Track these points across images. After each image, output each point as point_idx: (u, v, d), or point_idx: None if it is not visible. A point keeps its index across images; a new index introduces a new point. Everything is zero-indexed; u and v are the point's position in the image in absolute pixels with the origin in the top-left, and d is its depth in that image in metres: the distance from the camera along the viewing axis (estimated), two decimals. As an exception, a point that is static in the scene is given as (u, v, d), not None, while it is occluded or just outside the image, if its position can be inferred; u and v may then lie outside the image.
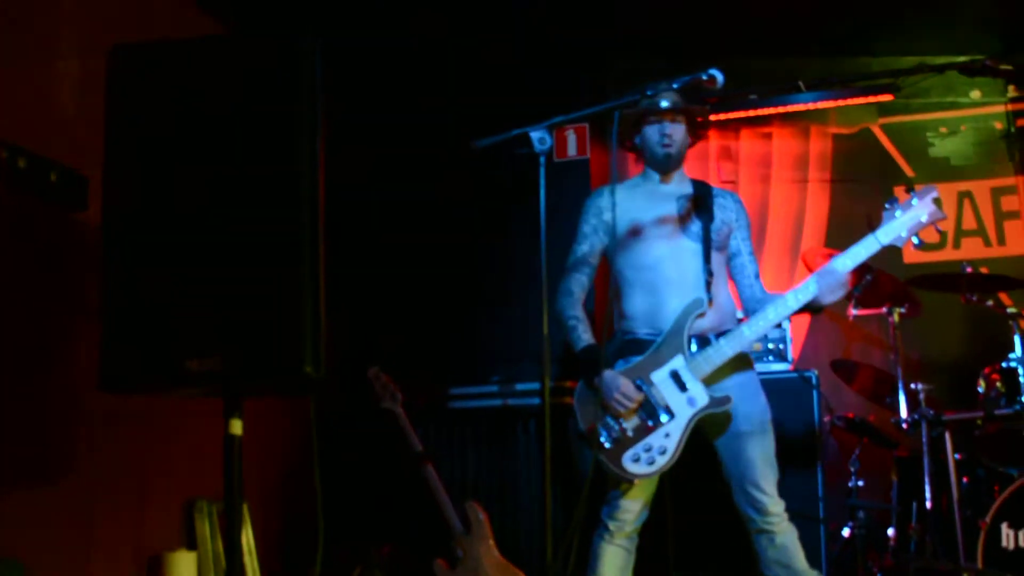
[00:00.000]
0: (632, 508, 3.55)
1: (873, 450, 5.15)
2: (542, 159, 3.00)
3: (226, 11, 4.95)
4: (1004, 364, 4.54)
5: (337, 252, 5.57)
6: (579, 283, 3.71)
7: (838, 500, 5.05)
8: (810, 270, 5.18)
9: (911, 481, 4.81)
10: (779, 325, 5.05)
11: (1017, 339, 4.54)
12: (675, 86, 3.12)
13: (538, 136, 2.98)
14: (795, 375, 4.94)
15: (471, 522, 4.53)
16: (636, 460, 3.42)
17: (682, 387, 3.44)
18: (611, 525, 3.57)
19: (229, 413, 2.66)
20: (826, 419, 5.06)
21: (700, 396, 3.43)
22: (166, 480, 4.26)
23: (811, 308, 3.43)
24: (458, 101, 5.62)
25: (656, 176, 3.73)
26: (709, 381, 3.48)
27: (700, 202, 3.63)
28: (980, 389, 4.67)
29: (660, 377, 3.47)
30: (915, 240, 3.30)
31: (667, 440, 3.42)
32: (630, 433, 3.45)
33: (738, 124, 6.06)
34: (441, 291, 5.57)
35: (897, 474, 4.91)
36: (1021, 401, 4.42)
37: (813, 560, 4.69)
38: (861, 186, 5.96)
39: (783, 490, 4.39)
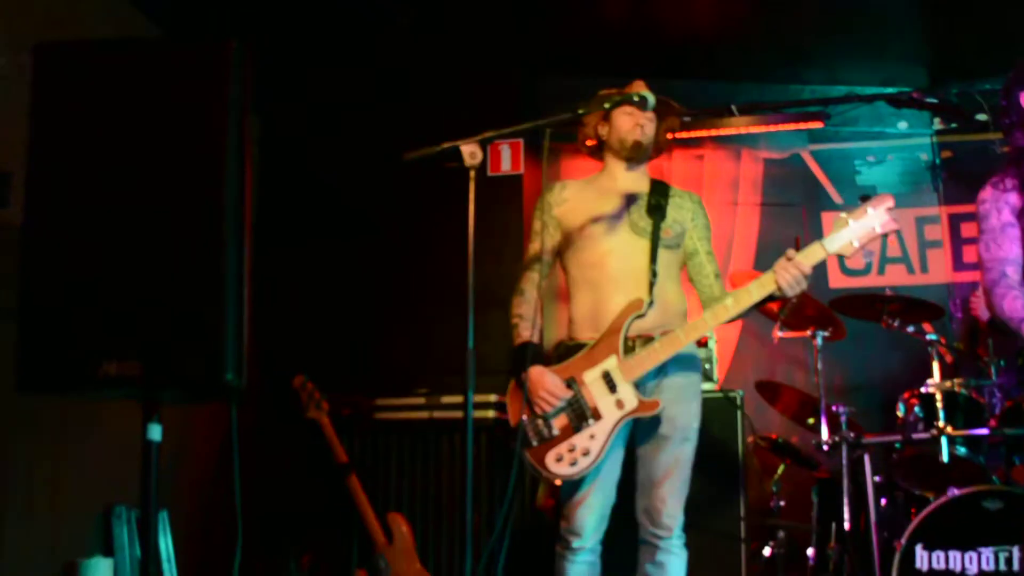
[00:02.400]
0: (589, 518, 3.45)
1: (795, 471, 5.22)
2: (472, 173, 2.99)
3: (160, 11, 4.89)
4: (923, 389, 4.62)
5: (266, 259, 5.63)
6: (531, 281, 3.63)
7: (760, 520, 5.10)
8: (733, 285, 5.25)
9: (831, 502, 4.87)
10: (705, 343, 5.14)
11: (935, 365, 4.62)
12: (606, 106, 3.13)
13: (469, 150, 2.98)
14: (720, 394, 4.98)
15: (394, 534, 4.51)
16: (559, 460, 3.36)
17: (612, 388, 3.38)
18: (572, 541, 3.47)
19: (147, 418, 2.61)
20: (749, 440, 5.10)
21: (629, 399, 3.35)
22: (85, 485, 4.18)
23: (774, 299, 3.36)
24: (390, 111, 5.60)
25: (614, 171, 3.65)
26: (648, 381, 3.44)
27: (654, 200, 3.57)
28: (899, 413, 4.74)
29: (591, 377, 3.40)
30: (866, 252, 3.28)
31: (591, 442, 3.35)
32: (556, 432, 3.38)
33: (670, 144, 6.11)
34: (370, 302, 5.54)
35: (818, 495, 4.97)
36: (937, 426, 4.49)
37: (734, 580, 4.78)
38: (790, 210, 6.06)
39: (706, 507, 4.42)
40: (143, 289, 2.46)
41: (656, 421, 3.45)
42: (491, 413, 4.79)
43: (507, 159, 5.46)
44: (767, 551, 5.02)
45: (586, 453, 3.35)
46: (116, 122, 2.54)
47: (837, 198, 6.13)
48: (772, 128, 5.89)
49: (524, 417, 3.41)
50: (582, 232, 3.57)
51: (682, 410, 3.49)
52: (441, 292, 5.37)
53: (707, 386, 5.06)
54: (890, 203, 3.23)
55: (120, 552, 4.22)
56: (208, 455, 5.07)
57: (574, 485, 3.46)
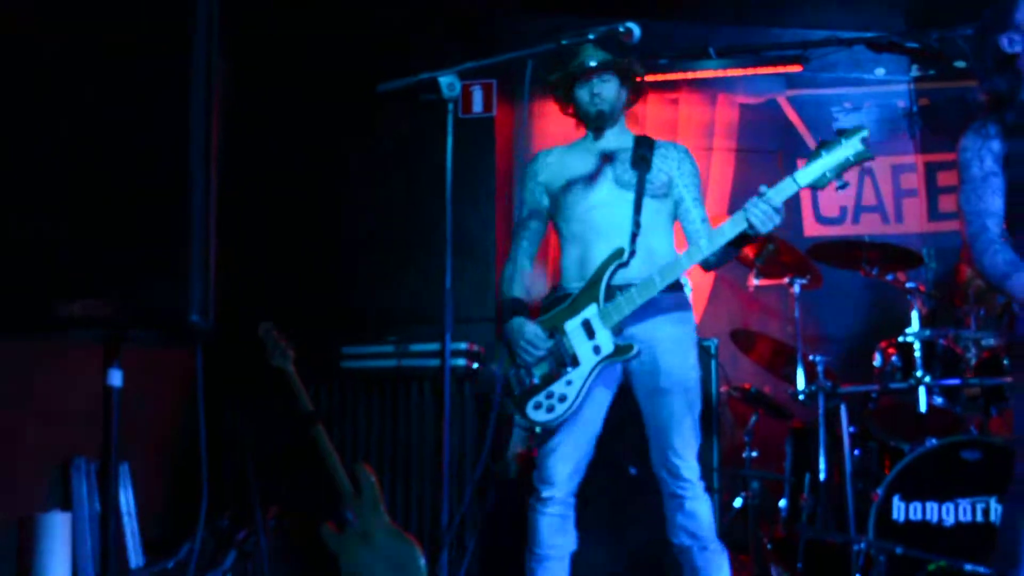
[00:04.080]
0: (562, 468, 3.46)
1: (768, 421, 5.17)
2: (450, 106, 2.85)
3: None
4: (900, 338, 4.57)
5: (231, 203, 5.46)
6: (521, 248, 3.67)
7: (732, 471, 5.05)
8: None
9: (804, 453, 4.83)
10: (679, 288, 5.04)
11: (914, 314, 4.57)
12: (591, 36, 3.00)
13: (447, 81, 2.83)
14: (695, 344, 4.89)
15: (361, 485, 4.39)
16: (538, 407, 3.37)
17: (591, 335, 3.36)
18: (543, 490, 3.48)
19: (108, 362, 2.47)
20: (722, 389, 5.04)
21: (606, 344, 3.34)
22: (45, 436, 4.02)
23: (749, 239, 3.25)
24: (362, 46, 5.42)
25: (591, 135, 3.64)
26: (635, 331, 3.40)
27: (638, 153, 3.53)
28: (876, 363, 4.69)
29: (572, 326, 3.39)
30: (839, 183, 3.15)
31: (568, 388, 3.35)
32: (536, 380, 3.40)
33: (645, 88, 5.97)
34: (339, 247, 5.39)
35: (791, 445, 4.92)
36: (915, 376, 4.44)
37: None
38: (766, 156, 5.96)
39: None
40: (105, 226, 2.30)
41: (654, 375, 3.44)
42: (462, 361, 4.68)
43: (479, 100, 5.31)
44: (738, 502, 4.97)
45: (563, 399, 3.35)
46: (75, 42, 2.36)
47: (813, 144, 5.99)
48: (750, 72, 5.76)
49: (510, 369, 3.43)
50: (568, 192, 3.58)
51: (678, 361, 3.46)
52: (411, 236, 5.27)
53: (682, 335, 4.97)
54: (864, 134, 3.12)
55: (79, 506, 4.08)
56: (171, 403, 4.92)
57: (549, 433, 3.48)
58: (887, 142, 6.04)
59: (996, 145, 3.11)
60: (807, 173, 3.14)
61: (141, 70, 2.35)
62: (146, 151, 2.32)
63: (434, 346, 4.72)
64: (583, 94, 3.54)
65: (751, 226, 3.15)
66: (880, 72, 6.07)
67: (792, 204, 5.94)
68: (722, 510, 4.91)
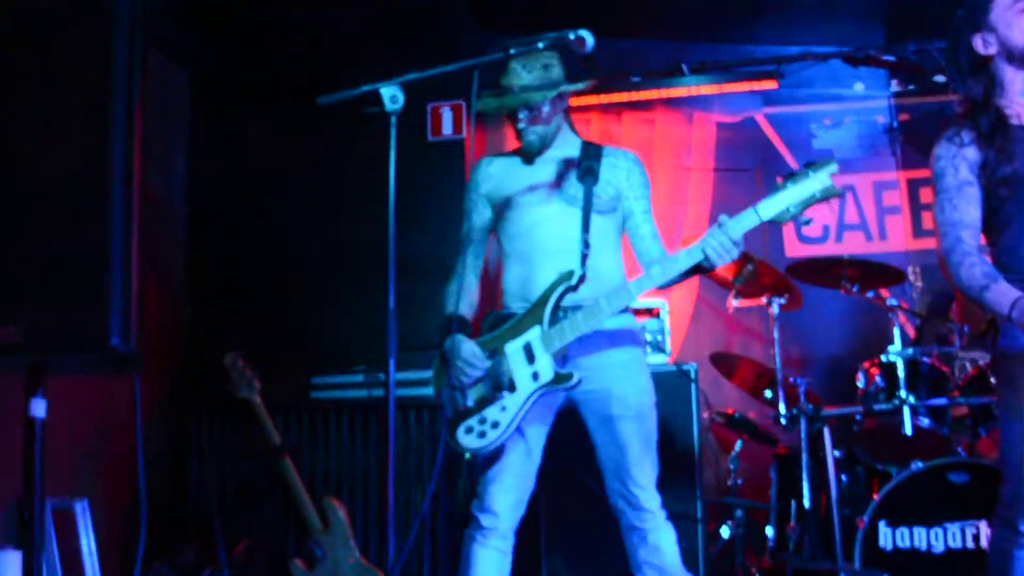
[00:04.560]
0: (502, 498, 3.25)
1: (753, 447, 5.02)
2: (393, 119, 2.70)
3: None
4: (884, 358, 4.43)
5: (197, 233, 5.35)
6: (466, 263, 3.48)
7: (717, 499, 4.90)
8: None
9: (790, 479, 4.68)
10: (657, 315, 4.92)
11: (896, 332, 4.43)
12: (540, 45, 2.85)
13: (389, 93, 2.69)
14: (673, 368, 4.75)
15: (330, 519, 4.24)
16: (468, 431, 3.18)
17: (531, 360, 3.18)
18: (482, 520, 3.27)
19: (30, 391, 2.33)
20: (705, 415, 4.89)
21: (545, 371, 3.15)
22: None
23: (703, 269, 3.09)
24: (316, 63, 5.31)
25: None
26: (582, 358, 3.23)
27: (584, 163, 3.35)
28: (860, 384, 4.55)
29: (513, 348, 3.21)
30: (804, 219, 3.01)
31: (502, 414, 3.15)
32: (470, 403, 3.22)
33: (620, 108, 5.89)
34: (306, 273, 5.25)
35: (776, 471, 4.77)
36: (899, 396, 4.30)
37: (691, 562, 4.56)
38: (744, 175, 5.84)
39: (660, 488, 4.20)
40: (18, 247, 2.18)
41: (605, 402, 3.25)
42: (429, 389, 4.53)
43: (448, 122, 5.19)
44: (725, 532, 4.81)
45: (495, 425, 3.16)
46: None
47: (792, 162, 5.92)
48: (725, 88, 5.64)
49: (444, 389, 3.26)
50: (510, 206, 3.39)
51: (631, 387, 3.28)
52: (381, 261, 5.11)
53: (659, 359, 4.85)
54: (833, 168, 2.95)
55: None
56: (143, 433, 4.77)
57: (488, 461, 3.28)
58: (868, 158, 5.95)
59: (971, 153, 2.96)
60: (770, 206, 2.97)
61: (59, 97, 2.24)
62: (62, 168, 2.20)
63: (408, 374, 4.59)
64: (510, 125, 3.38)
65: (706, 258, 2.99)
66: (859, 87, 5.97)
67: (772, 224, 5.86)
68: (708, 541, 4.75)
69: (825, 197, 2.93)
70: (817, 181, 2.92)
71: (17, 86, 2.23)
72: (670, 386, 4.69)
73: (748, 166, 5.90)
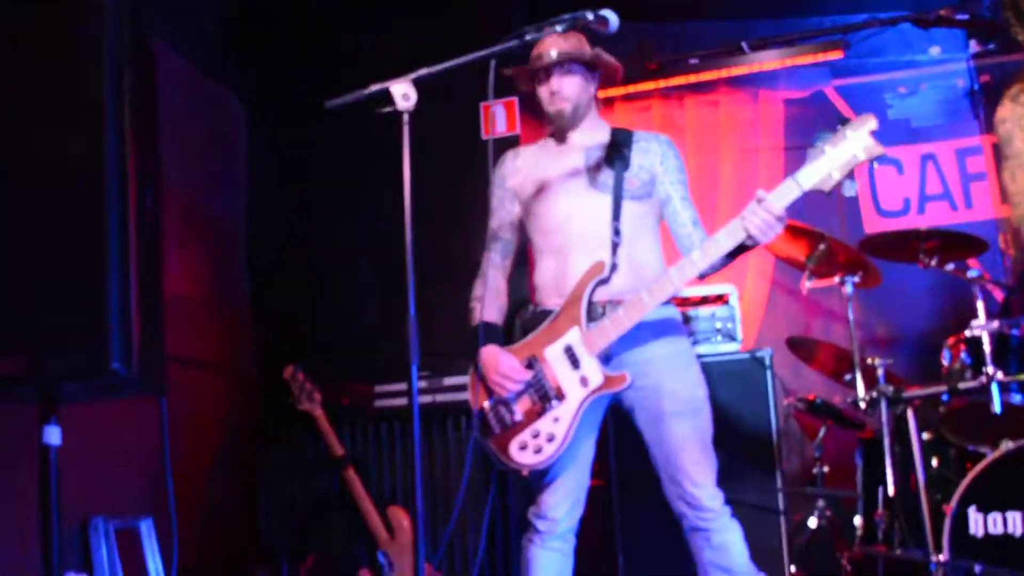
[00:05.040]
0: (559, 505, 3.13)
1: (839, 433, 4.81)
2: (405, 117, 2.62)
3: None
4: (968, 333, 4.17)
5: (258, 257, 5.36)
6: (491, 262, 3.33)
7: (802, 489, 4.70)
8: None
9: (877, 465, 4.43)
10: (726, 301, 4.74)
11: (980, 305, 4.17)
12: (559, 29, 2.73)
13: (400, 91, 2.62)
14: (746, 356, 4.58)
15: (395, 529, 4.19)
16: (523, 448, 3.03)
17: (576, 364, 3.03)
18: (539, 525, 3.16)
19: (44, 419, 2.31)
20: (786, 402, 4.72)
21: (594, 375, 2.99)
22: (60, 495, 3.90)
23: (747, 248, 2.93)
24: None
25: (563, 134, 3.32)
26: (625, 354, 3.08)
27: (615, 150, 3.20)
28: (944, 361, 4.30)
29: (553, 353, 3.06)
30: (849, 183, 2.81)
31: (556, 425, 3.01)
32: (519, 417, 3.05)
33: (681, 92, 5.71)
34: (365, 281, 5.20)
35: (862, 458, 4.55)
36: (986, 372, 4.04)
37: (774, 557, 4.38)
38: (817, 152, 5.58)
39: (741, 481, 4.05)
40: (17, 276, 2.18)
41: (655, 399, 3.09)
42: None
43: (502, 119, 5.07)
44: (812, 522, 4.60)
45: (551, 439, 3.01)
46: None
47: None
48: (789, 63, 5.40)
49: (485, 404, 3.10)
50: (539, 198, 3.25)
51: (680, 382, 3.11)
52: (442, 266, 5.04)
53: (730, 347, 4.68)
54: (872, 124, 2.77)
55: (99, 569, 3.94)
56: (208, 455, 4.80)
57: (542, 471, 3.13)
58: (949, 125, 5.64)
59: None
60: (810, 173, 2.79)
61: (51, 115, 2.23)
62: (57, 196, 2.19)
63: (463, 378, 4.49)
64: (543, 93, 3.23)
65: (750, 236, 2.84)
66: (935, 51, 5.66)
67: (849, 200, 5.61)
68: (793, 533, 4.56)
69: (869, 157, 2.76)
70: (857, 141, 2.75)
71: (25, 123, 2.23)
72: (744, 374, 4.60)
73: (821, 142, 5.63)
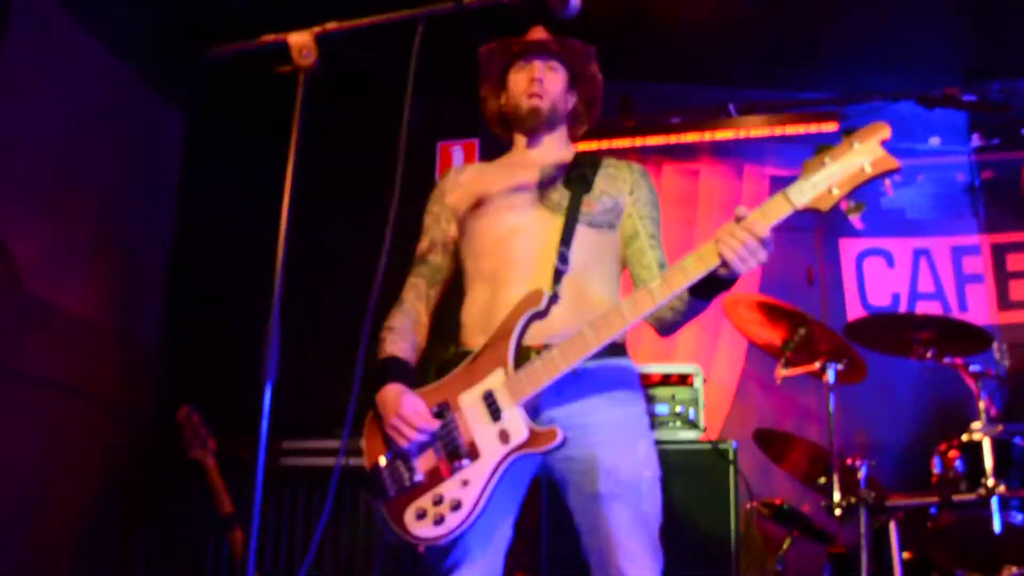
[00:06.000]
0: None
1: (806, 545, 4.26)
2: (304, 77, 2.11)
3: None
4: (965, 438, 3.66)
5: (176, 282, 4.86)
6: (413, 288, 2.75)
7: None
8: (728, 317, 4.33)
9: (847, 585, 3.88)
10: (690, 383, 4.21)
11: (981, 406, 3.65)
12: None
13: (299, 44, 2.10)
14: (707, 446, 4.01)
15: (280, 607, 3.56)
16: (421, 516, 2.40)
17: (496, 415, 2.42)
18: None
19: None
20: (749, 506, 4.17)
21: (516, 429, 2.39)
22: None
23: (720, 284, 2.34)
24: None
25: (522, 142, 2.79)
26: (557, 410, 2.48)
27: (576, 169, 2.68)
28: (935, 469, 3.77)
29: (469, 400, 2.45)
30: (851, 203, 2.28)
31: (464, 490, 2.38)
32: (420, 477, 2.43)
33: (660, 156, 5.26)
34: (296, 322, 4.64)
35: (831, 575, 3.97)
36: (986, 485, 3.50)
37: None
38: (802, 236, 5.14)
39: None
40: None
41: (590, 476, 2.46)
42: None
43: (459, 161, 4.63)
44: (769, 648, 4.01)
45: (456, 507, 2.38)
46: None
47: (858, 223, 5.19)
48: (779, 131, 4.95)
49: (380, 458, 2.47)
50: (475, 215, 2.69)
51: (624, 456, 2.48)
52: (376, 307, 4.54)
53: (690, 435, 4.13)
54: (884, 133, 2.21)
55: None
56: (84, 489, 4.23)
57: (443, 551, 2.47)
58: (946, 220, 5.29)
59: None
60: (804, 188, 2.22)
61: None
62: None
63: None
64: (519, 80, 2.74)
65: (724, 263, 2.23)
66: (935, 142, 5.30)
67: (832, 289, 5.15)
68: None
69: (879, 172, 2.20)
70: (866, 152, 2.19)
71: None
72: (703, 467, 4.02)
73: (807, 227, 5.19)
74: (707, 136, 4.99)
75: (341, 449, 2.21)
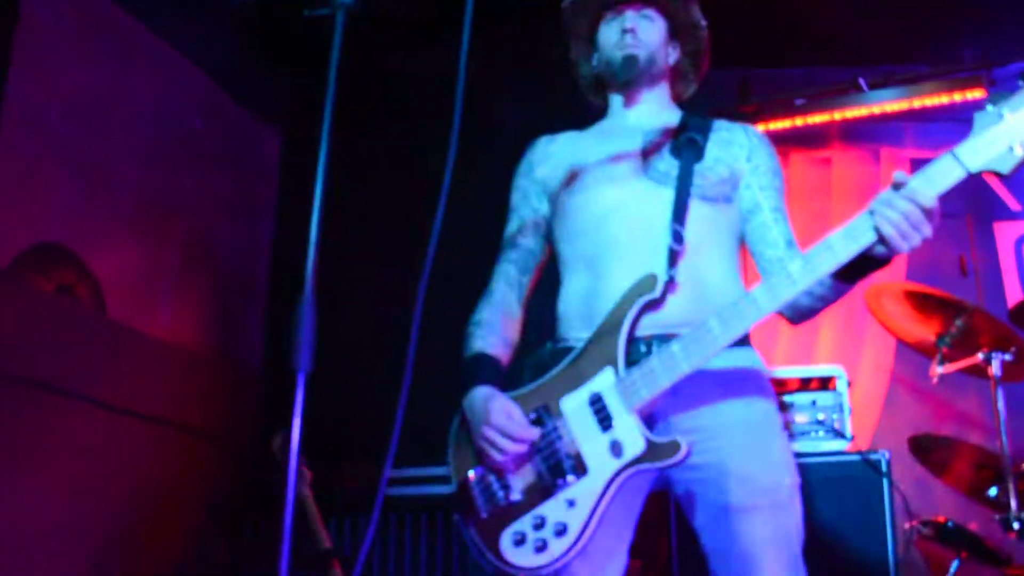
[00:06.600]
0: None
1: (975, 569, 3.77)
2: (339, 16, 1.87)
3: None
4: None
5: (277, 306, 4.72)
6: (504, 276, 2.44)
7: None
8: (872, 312, 3.91)
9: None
10: (833, 387, 3.81)
11: None
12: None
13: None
14: (855, 458, 3.60)
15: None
16: (520, 542, 2.08)
17: (606, 423, 2.10)
18: None
19: None
20: (907, 525, 3.75)
21: (632, 440, 2.06)
22: None
23: (873, 264, 2.00)
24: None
25: (619, 103, 2.47)
26: (680, 416, 2.15)
27: (685, 134, 2.34)
28: None
29: (573, 405, 2.12)
30: None
31: (570, 512, 2.05)
32: (517, 496, 2.11)
33: (786, 145, 4.84)
34: (393, 352, 4.43)
35: (1009, 603, 3.53)
36: None
37: None
38: (951, 222, 4.67)
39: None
40: None
41: (720, 486, 2.13)
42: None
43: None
44: None
45: (561, 531, 2.06)
46: None
47: (1015, 204, 4.67)
48: (918, 103, 4.48)
49: (470, 472, 2.17)
50: (570, 191, 2.37)
51: (758, 462, 2.15)
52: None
53: (836, 445, 3.74)
54: None
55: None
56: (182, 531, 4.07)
57: None
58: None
59: None
60: (978, 147, 1.87)
61: None
62: None
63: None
64: (610, 32, 2.41)
65: (882, 239, 1.90)
66: (1108, 104, 4.72)
67: (989, 280, 4.65)
68: None
69: None
70: None
71: None
72: (852, 481, 3.67)
73: (956, 212, 4.72)
74: (837, 116, 4.58)
75: (383, 476, 1.92)
